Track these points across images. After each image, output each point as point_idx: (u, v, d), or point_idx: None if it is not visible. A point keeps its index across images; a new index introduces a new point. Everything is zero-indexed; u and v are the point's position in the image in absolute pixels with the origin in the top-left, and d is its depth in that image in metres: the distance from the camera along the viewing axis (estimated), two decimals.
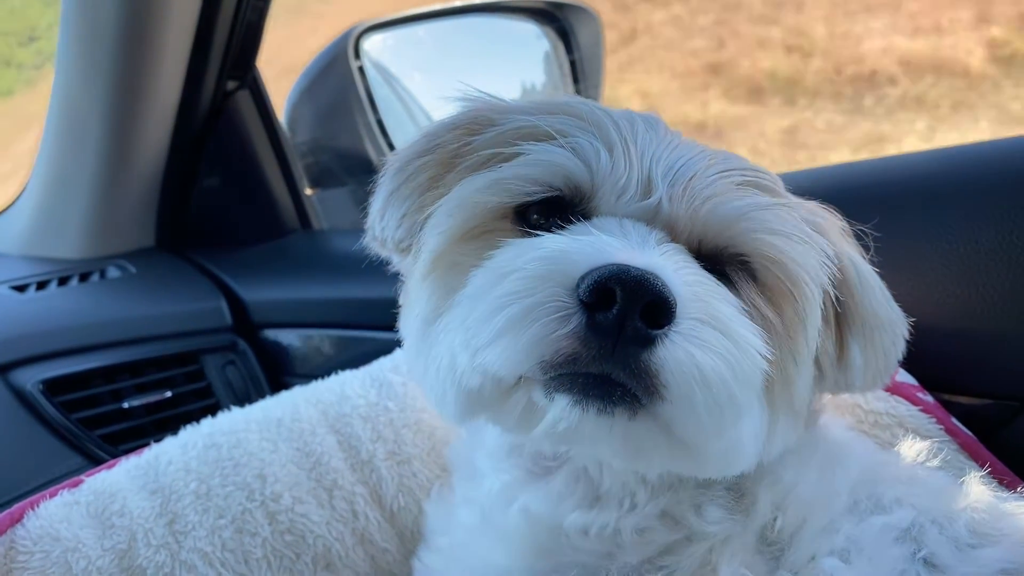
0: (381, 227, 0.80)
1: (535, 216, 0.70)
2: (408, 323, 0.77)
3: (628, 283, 0.57)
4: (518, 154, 0.69)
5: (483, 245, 0.69)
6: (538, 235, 0.65)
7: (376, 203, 0.80)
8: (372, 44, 1.87)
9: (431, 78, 2.05)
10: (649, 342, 0.58)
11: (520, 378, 0.63)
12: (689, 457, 0.66)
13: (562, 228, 0.67)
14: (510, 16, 2.09)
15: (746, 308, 0.67)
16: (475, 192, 0.70)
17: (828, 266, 0.71)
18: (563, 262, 0.60)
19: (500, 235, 0.70)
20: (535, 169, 0.69)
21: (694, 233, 0.69)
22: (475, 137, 0.75)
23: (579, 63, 2.04)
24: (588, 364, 0.59)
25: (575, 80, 2.05)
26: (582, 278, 0.58)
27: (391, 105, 1.91)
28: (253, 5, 1.65)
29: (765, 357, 0.65)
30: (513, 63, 2.14)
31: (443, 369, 0.67)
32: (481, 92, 0.79)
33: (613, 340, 0.58)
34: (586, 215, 0.69)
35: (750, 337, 0.63)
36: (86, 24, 1.54)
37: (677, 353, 0.59)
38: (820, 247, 0.71)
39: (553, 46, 2.06)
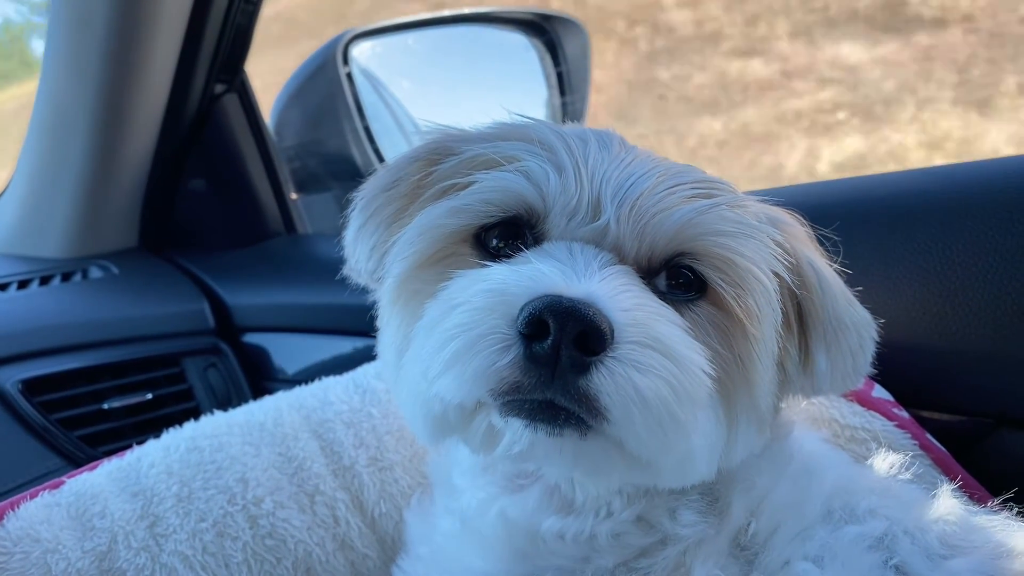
0: (355, 259, 0.84)
1: (495, 239, 0.74)
2: (383, 348, 0.81)
3: (560, 314, 0.60)
4: (475, 182, 0.72)
5: (442, 271, 0.72)
6: (487, 265, 0.68)
7: (348, 237, 0.84)
8: (361, 51, 1.88)
9: (419, 86, 2.06)
10: (585, 369, 0.61)
11: (478, 403, 0.66)
12: (645, 470, 0.68)
13: (520, 250, 0.71)
14: (499, 27, 2.10)
15: (693, 324, 0.69)
16: (436, 218, 0.73)
17: (781, 260, 0.72)
18: (504, 294, 0.63)
19: (459, 259, 0.74)
20: (491, 194, 0.72)
21: (641, 251, 0.71)
22: (436, 167, 0.77)
23: (566, 75, 2.05)
24: (531, 391, 0.62)
25: (562, 92, 2.06)
26: (521, 310, 0.61)
27: (378, 111, 1.92)
28: (243, 9, 1.65)
29: (720, 364, 0.68)
30: (500, 73, 2.15)
31: (412, 395, 0.71)
32: (440, 124, 0.82)
33: (551, 368, 0.61)
34: (541, 237, 0.72)
35: (692, 356, 0.65)
36: (74, 22, 1.53)
37: (614, 378, 0.61)
38: (770, 239, 0.73)
39: (541, 58, 2.07)
